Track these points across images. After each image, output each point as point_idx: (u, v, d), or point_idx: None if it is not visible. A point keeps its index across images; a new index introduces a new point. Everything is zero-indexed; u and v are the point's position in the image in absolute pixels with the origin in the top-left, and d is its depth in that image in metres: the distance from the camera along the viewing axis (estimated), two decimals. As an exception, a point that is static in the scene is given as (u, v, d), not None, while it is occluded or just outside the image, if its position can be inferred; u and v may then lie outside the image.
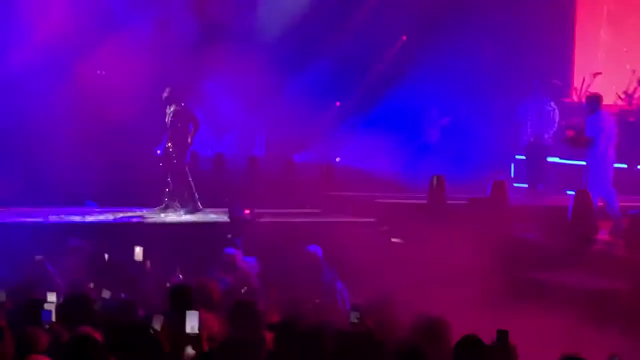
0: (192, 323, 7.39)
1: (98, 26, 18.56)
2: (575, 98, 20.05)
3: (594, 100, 14.29)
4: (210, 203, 16.31)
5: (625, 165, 16.42)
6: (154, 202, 16.08)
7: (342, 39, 21.76)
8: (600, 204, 13.84)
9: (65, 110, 17.92)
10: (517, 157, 18.86)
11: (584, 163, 14.44)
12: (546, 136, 17.13)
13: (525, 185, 17.74)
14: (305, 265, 11.82)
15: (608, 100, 19.79)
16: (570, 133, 14.92)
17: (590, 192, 13.57)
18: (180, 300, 8.44)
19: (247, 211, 14.70)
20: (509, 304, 10.39)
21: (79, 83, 18.27)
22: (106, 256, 11.78)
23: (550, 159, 17.66)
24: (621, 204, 14.04)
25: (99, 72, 19.46)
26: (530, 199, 16.73)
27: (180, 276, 11.34)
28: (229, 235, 13.48)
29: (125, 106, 17.46)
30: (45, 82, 17.68)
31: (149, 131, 16.72)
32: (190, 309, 8.05)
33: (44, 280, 10.65)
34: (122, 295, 9.22)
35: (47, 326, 7.79)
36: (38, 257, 11.15)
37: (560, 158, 18.05)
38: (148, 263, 11.85)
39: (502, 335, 6.50)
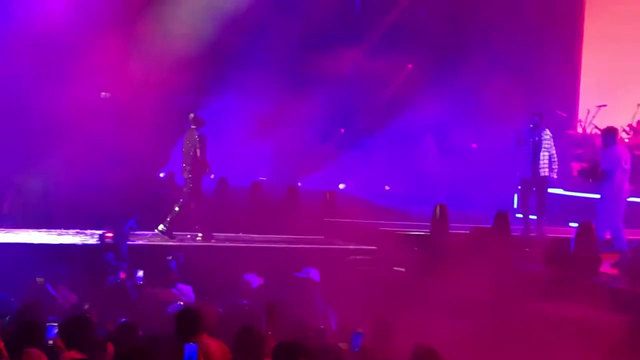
0: (189, 355, 7.27)
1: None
2: (580, 130, 20.08)
3: (610, 133, 14.15)
4: (214, 228, 16.30)
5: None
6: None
7: (347, 67, 21.85)
8: (608, 236, 13.77)
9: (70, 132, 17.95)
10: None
11: (597, 196, 14.34)
12: (546, 168, 16.49)
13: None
14: (300, 290, 11.80)
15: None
16: (585, 166, 14.83)
17: (600, 224, 13.51)
18: (186, 325, 8.45)
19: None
20: (510, 336, 10.33)
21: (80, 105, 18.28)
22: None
23: (552, 191, 17.56)
24: (628, 237, 14.02)
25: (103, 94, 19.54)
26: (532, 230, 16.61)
27: (181, 302, 11.31)
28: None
29: (131, 129, 17.50)
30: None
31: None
32: (197, 334, 8.07)
33: (45, 302, 10.63)
34: (122, 319, 9.16)
35: (50, 342, 7.82)
36: (39, 280, 11.13)
37: (564, 190, 18.03)
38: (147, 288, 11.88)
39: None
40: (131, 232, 14.64)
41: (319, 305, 11.25)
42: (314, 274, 12.11)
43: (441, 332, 10.20)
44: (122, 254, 13.56)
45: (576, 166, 19.44)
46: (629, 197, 14.04)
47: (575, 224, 14.16)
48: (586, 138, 19.73)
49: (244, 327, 8.52)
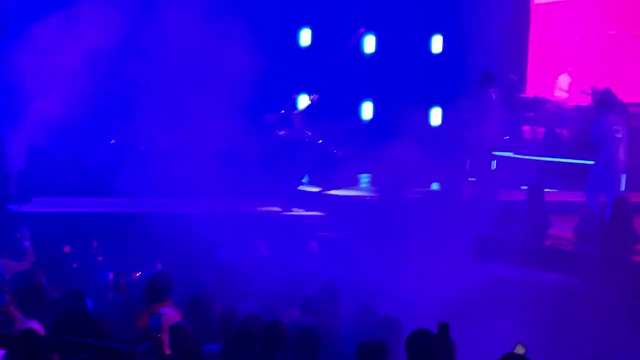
0: (154, 325, 7.27)
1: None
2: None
3: (602, 102, 13.65)
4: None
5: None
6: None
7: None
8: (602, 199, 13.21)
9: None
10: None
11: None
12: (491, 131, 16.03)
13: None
14: None
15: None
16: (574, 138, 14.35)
17: (591, 192, 13.17)
18: (158, 290, 8.52)
19: None
20: (460, 298, 10.44)
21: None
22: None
23: (504, 154, 17.67)
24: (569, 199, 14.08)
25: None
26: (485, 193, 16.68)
27: (139, 273, 11.27)
28: None
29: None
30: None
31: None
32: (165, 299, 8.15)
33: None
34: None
35: (3, 309, 7.83)
36: None
37: (515, 153, 18.15)
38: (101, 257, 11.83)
39: (443, 328, 6.53)
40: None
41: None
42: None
43: (397, 294, 10.30)
44: None
45: (527, 129, 19.62)
46: (624, 168, 13.35)
47: (525, 187, 14.24)
48: (537, 101, 19.88)
49: (196, 294, 8.60)
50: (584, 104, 18.63)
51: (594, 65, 19.50)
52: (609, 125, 13.04)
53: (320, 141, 17.53)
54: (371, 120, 21.01)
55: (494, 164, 16.49)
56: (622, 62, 19.43)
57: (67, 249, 11.78)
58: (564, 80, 19.97)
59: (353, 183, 17.87)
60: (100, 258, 11.79)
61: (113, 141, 17.88)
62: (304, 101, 18.13)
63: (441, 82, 20.36)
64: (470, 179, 17.46)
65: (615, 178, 13.16)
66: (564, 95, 19.75)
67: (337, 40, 20.88)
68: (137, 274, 10.97)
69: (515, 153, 18.05)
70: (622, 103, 17.43)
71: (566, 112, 19.40)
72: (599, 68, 19.20)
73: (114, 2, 16.01)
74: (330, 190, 17.00)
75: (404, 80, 20.33)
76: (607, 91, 17.11)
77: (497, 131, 15.75)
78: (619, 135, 13.08)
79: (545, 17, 21.64)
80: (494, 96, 15.19)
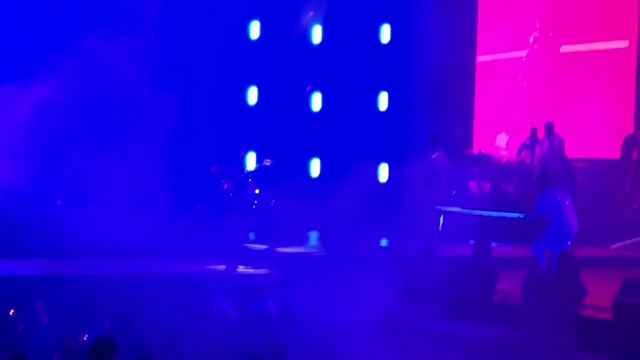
0: None
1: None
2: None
3: (542, 178, 13.71)
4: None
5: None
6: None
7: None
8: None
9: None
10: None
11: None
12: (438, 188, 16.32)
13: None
14: None
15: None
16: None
17: (537, 247, 13.18)
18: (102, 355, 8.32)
19: None
20: (409, 354, 10.43)
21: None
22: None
23: (451, 209, 17.77)
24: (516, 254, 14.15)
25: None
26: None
27: (86, 337, 11.12)
28: None
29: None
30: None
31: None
32: None
33: None
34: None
35: None
36: None
37: (462, 208, 18.24)
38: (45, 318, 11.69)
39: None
40: None
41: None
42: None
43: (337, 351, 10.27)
44: None
45: (473, 185, 19.78)
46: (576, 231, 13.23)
47: (472, 242, 14.32)
48: (483, 157, 20.07)
49: (140, 354, 8.51)
50: (528, 161, 18.84)
51: (533, 121, 19.73)
52: (553, 198, 13.06)
53: (273, 201, 17.54)
54: (319, 177, 21.09)
55: (441, 220, 16.65)
56: (564, 118, 19.72)
57: (12, 312, 11.64)
58: (502, 139, 20.23)
59: (301, 240, 17.82)
60: (46, 320, 11.63)
61: (59, 202, 17.71)
62: (252, 159, 18.23)
63: (388, 138, 20.52)
64: (417, 234, 17.62)
65: (564, 240, 13.12)
66: (503, 153, 19.99)
67: (284, 97, 21.00)
68: (85, 337, 10.84)
69: (462, 208, 18.14)
70: (565, 159, 17.73)
71: (511, 168, 19.59)
72: (538, 124, 19.42)
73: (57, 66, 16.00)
74: (278, 247, 16.96)
75: (351, 136, 20.49)
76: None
77: (444, 188, 15.99)
78: (567, 203, 13.10)
79: (489, 74, 21.95)
80: (439, 154, 15.46)
